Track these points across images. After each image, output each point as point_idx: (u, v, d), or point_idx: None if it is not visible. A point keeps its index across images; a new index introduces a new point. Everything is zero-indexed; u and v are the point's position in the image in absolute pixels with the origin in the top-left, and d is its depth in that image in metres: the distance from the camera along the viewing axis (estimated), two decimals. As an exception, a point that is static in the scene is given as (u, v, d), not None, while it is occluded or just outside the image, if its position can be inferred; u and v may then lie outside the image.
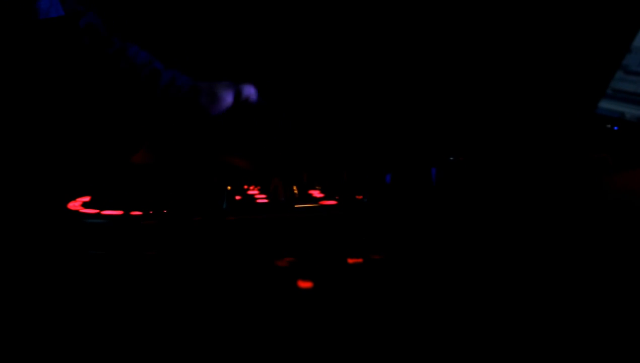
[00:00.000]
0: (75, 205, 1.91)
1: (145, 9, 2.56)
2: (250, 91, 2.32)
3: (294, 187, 1.99)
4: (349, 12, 2.59)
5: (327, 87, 2.56)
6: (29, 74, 2.12)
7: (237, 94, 2.29)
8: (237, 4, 2.64)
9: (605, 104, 2.36)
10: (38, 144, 2.16)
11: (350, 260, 1.71)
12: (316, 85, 2.56)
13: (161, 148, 2.23)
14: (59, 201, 1.93)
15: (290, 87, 2.55)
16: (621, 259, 1.57)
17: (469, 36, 2.57)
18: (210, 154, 2.22)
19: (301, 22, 2.61)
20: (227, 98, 2.27)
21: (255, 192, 2.03)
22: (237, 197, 1.97)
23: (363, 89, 2.60)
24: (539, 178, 1.92)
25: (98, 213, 1.85)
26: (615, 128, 2.26)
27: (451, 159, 2.01)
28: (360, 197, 1.93)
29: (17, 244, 1.72)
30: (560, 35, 2.45)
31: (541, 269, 1.62)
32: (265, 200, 1.96)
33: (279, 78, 2.56)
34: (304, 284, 1.62)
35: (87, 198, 1.96)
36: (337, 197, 1.94)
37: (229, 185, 2.03)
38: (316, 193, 2.00)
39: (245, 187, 2.07)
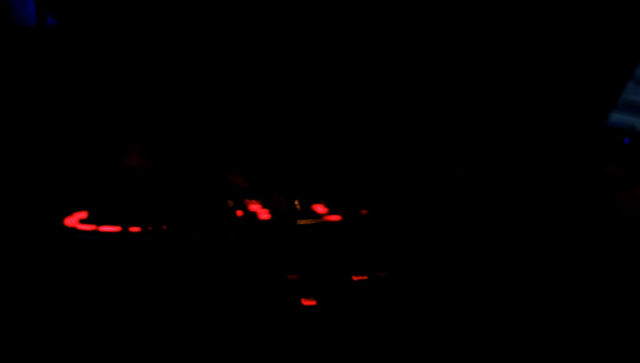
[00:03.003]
0: (72, 221, 1.92)
1: (148, 12, 2.57)
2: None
3: (296, 202, 2.01)
4: (355, 25, 2.61)
5: (331, 99, 2.58)
6: (26, 82, 2.14)
7: None
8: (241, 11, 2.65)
9: (616, 116, 2.37)
10: (34, 155, 2.17)
11: (355, 277, 1.72)
12: (320, 97, 2.58)
13: (157, 151, 2.24)
14: (56, 217, 1.94)
15: (292, 100, 2.57)
16: (632, 271, 1.59)
17: (479, 47, 2.59)
18: (208, 167, 2.23)
19: (312, 37, 2.62)
20: None
21: (257, 207, 2.05)
22: (239, 213, 1.98)
23: (368, 101, 2.61)
24: (549, 191, 1.94)
25: (96, 230, 1.86)
26: (627, 140, 2.27)
27: (459, 172, 2.02)
28: (365, 212, 1.94)
29: (13, 262, 1.73)
30: (570, 47, 2.47)
31: (551, 283, 1.63)
32: (268, 216, 1.97)
33: (280, 91, 2.58)
34: (308, 302, 1.63)
35: (84, 214, 1.97)
36: (341, 212, 1.95)
37: (231, 201, 2.04)
38: (320, 208, 2.01)
39: (247, 202, 2.08)
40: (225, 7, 2.52)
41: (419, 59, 2.59)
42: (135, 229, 1.88)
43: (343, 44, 2.58)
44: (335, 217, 1.95)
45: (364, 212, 1.97)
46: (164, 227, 1.87)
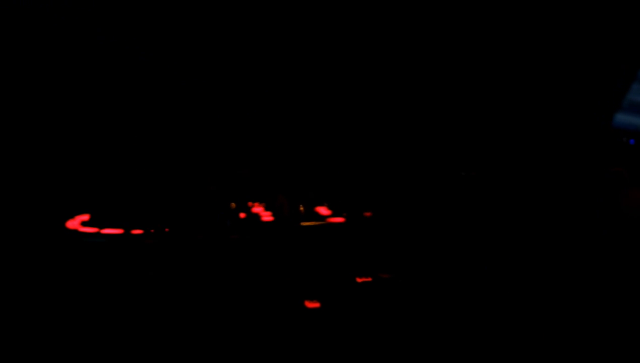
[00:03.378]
0: (74, 224, 1.92)
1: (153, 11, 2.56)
2: None
3: (300, 206, 2.00)
4: (359, 28, 2.61)
5: (336, 100, 2.57)
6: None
7: None
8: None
9: (621, 117, 2.37)
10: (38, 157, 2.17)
11: (358, 279, 1.71)
12: (325, 98, 2.57)
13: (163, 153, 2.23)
14: (57, 220, 1.93)
15: (298, 101, 2.56)
16: (633, 270, 1.59)
17: (484, 50, 2.58)
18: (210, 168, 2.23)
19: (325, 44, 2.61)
20: None
21: (260, 209, 2.04)
22: (242, 215, 1.98)
23: (373, 103, 2.61)
24: (553, 192, 1.93)
25: (98, 233, 1.86)
26: (632, 141, 2.27)
27: (463, 174, 2.02)
28: (369, 214, 1.94)
29: (14, 265, 1.73)
30: (575, 49, 2.47)
31: (556, 286, 1.62)
32: (271, 218, 1.97)
33: (288, 91, 2.57)
34: (311, 304, 1.63)
35: (86, 217, 1.96)
36: (344, 214, 1.94)
37: (233, 203, 2.04)
38: (323, 210, 2.01)
39: (250, 204, 2.08)
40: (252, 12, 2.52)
41: (424, 63, 2.58)
42: (137, 231, 1.88)
43: (347, 46, 2.57)
44: (338, 219, 1.94)
45: (368, 214, 1.97)
46: (167, 229, 1.86)
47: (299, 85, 2.54)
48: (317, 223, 1.89)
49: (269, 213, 2.01)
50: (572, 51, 2.48)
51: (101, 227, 1.89)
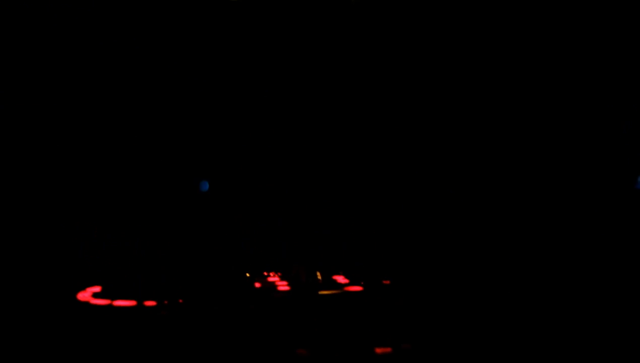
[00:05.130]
0: (85, 295, 1.91)
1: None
2: None
3: (318, 273, 1.97)
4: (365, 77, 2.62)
5: (347, 160, 2.57)
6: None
7: None
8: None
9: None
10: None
11: (378, 350, 1.67)
12: (337, 159, 2.57)
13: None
14: (68, 292, 1.92)
15: (309, 167, 2.56)
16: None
17: (503, 105, 2.59)
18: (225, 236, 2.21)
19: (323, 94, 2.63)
20: None
21: (276, 279, 2.02)
22: (257, 285, 1.95)
23: (386, 165, 2.60)
24: (578, 256, 1.90)
25: (110, 305, 1.83)
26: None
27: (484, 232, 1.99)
28: (388, 282, 1.91)
29: (25, 341, 1.70)
30: (601, 110, 2.47)
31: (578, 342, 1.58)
32: (287, 288, 1.94)
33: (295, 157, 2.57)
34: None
35: (97, 289, 1.95)
36: (362, 283, 1.92)
37: (248, 273, 2.01)
38: (340, 278, 1.98)
39: (265, 273, 2.06)
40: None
41: (451, 113, 2.58)
42: (150, 303, 1.85)
43: (365, 84, 2.58)
44: (356, 288, 1.91)
45: (387, 282, 1.93)
46: (180, 301, 1.83)
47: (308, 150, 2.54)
48: (334, 292, 1.85)
49: (284, 282, 1.98)
50: (598, 112, 2.48)
51: (113, 299, 1.86)
